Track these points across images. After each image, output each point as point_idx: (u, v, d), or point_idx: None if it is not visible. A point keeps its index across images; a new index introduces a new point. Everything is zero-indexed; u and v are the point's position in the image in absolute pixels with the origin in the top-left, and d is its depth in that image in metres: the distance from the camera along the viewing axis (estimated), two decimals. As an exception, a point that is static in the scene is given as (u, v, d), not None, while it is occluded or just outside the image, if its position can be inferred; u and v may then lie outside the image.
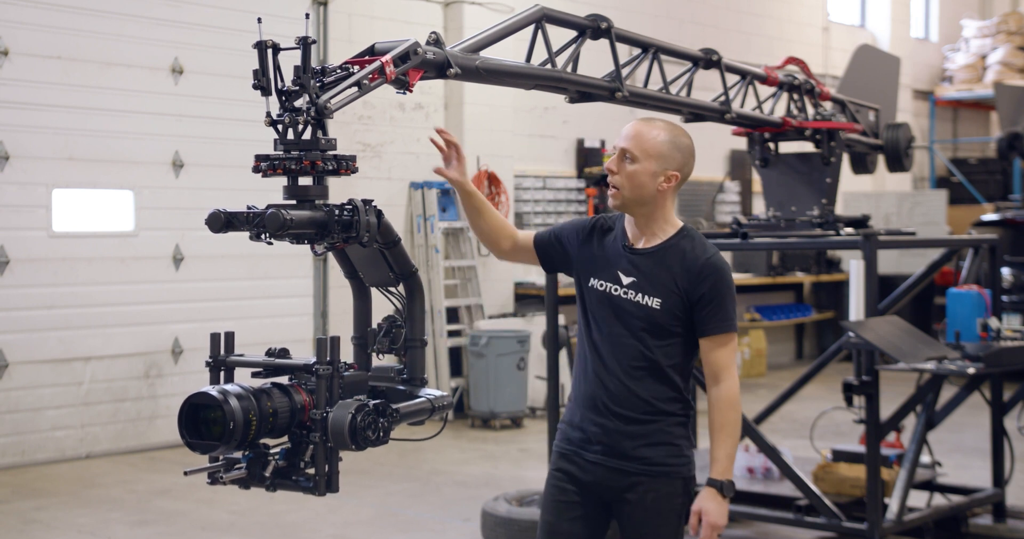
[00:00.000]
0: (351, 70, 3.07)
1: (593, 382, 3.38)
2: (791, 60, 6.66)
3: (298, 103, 2.89)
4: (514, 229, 3.53)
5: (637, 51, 5.23)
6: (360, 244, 2.91)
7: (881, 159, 7.29)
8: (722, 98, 5.79)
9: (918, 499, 6.28)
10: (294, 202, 2.87)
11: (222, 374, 2.95)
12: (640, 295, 3.33)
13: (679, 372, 3.37)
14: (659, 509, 3.33)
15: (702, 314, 3.30)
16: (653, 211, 3.38)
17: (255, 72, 2.83)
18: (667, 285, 3.31)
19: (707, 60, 5.63)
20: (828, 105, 6.65)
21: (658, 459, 3.33)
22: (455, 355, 10.22)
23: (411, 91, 3.42)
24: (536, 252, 3.55)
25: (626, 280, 3.36)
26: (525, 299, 10.92)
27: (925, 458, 6.37)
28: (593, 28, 4.71)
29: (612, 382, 3.35)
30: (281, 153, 2.88)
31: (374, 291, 3.18)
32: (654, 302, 3.31)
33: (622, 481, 3.34)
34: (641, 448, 3.33)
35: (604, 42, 4.82)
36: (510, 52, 4.16)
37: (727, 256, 13.12)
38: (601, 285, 3.39)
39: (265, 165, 2.87)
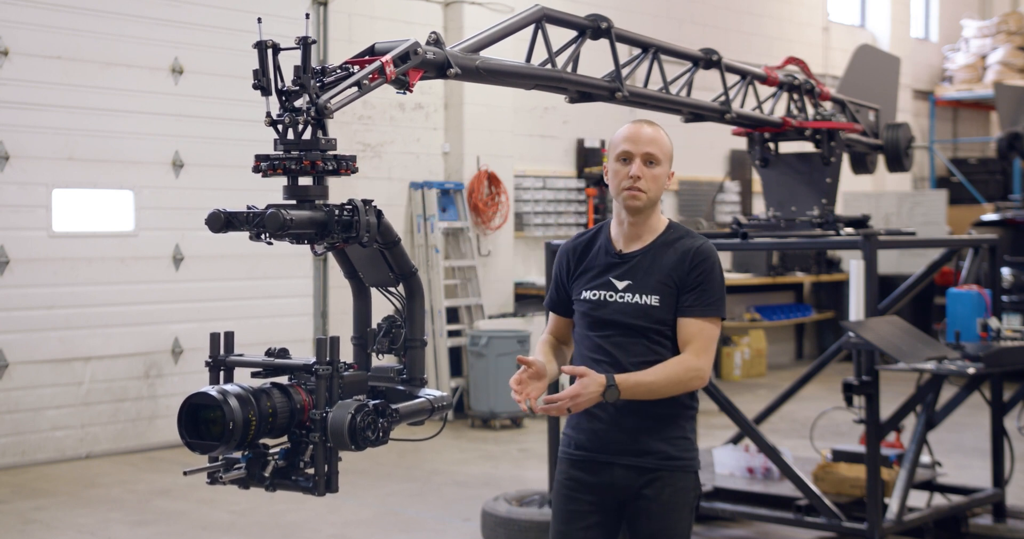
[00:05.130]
0: (351, 70, 3.07)
1: None
2: (791, 60, 6.66)
3: (298, 103, 2.89)
4: (558, 340, 3.62)
5: (637, 51, 5.23)
6: (360, 244, 2.91)
7: (881, 159, 7.29)
8: (722, 98, 5.79)
9: (918, 499, 6.28)
10: (294, 202, 2.87)
11: (222, 374, 2.95)
12: (638, 296, 3.38)
13: None
14: (675, 503, 3.36)
15: (688, 297, 3.37)
16: (652, 211, 3.45)
17: (255, 72, 2.83)
18: (662, 281, 3.38)
19: (707, 60, 5.63)
20: (828, 105, 6.65)
21: (675, 453, 3.37)
22: (455, 355, 10.22)
23: (411, 91, 3.42)
24: (569, 317, 3.59)
25: (621, 284, 3.41)
26: (525, 299, 10.92)
27: (925, 458, 6.37)
28: (593, 28, 4.71)
29: None
30: (281, 153, 2.88)
31: (374, 291, 3.18)
32: (653, 299, 3.37)
33: (639, 478, 3.36)
34: (657, 442, 3.36)
35: (604, 42, 4.82)
36: (510, 52, 4.16)
37: (727, 256, 13.22)
38: (595, 295, 3.44)
39: (265, 165, 2.86)
